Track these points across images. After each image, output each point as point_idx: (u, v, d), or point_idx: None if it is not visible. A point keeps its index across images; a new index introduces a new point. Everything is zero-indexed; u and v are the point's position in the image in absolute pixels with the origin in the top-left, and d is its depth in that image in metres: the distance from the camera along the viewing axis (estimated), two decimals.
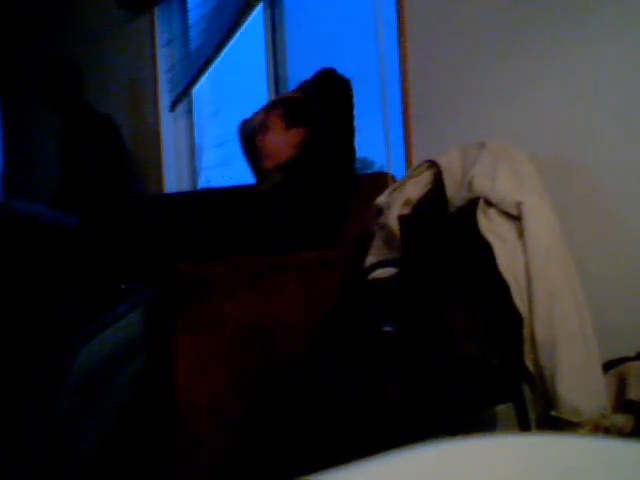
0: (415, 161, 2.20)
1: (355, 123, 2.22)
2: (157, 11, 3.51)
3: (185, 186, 3.53)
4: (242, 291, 1.74)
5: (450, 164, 1.68)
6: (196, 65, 3.38)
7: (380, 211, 1.81)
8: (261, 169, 2.25)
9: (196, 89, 3.51)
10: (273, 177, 2.20)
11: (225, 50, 3.24)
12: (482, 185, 1.55)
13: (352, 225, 2.06)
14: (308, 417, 1.61)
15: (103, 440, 1.72)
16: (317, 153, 2.15)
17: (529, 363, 1.43)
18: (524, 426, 1.43)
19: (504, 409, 1.48)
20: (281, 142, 2.19)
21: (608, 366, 1.57)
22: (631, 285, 1.74)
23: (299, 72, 3.07)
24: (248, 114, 2.46)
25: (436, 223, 1.68)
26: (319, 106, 2.22)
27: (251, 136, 2.35)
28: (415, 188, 1.75)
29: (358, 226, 2.02)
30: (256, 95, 3.15)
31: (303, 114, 2.22)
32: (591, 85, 1.81)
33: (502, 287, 1.45)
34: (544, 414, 1.42)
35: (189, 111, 3.57)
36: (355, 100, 2.22)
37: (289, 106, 2.23)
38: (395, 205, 1.75)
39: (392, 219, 1.74)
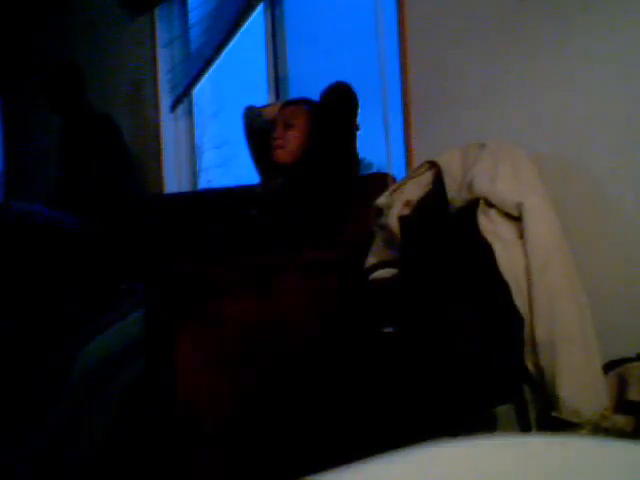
0: (415, 161, 2.20)
1: (356, 129, 2.22)
2: (157, 11, 3.51)
3: (185, 187, 3.53)
4: (242, 291, 1.74)
5: (450, 165, 1.68)
6: (196, 66, 3.38)
7: (380, 212, 1.81)
8: (272, 161, 2.23)
9: (196, 90, 3.51)
10: (275, 180, 2.20)
11: (225, 50, 3.24)
12: (482, 186, 1.55)
13: (352, 226, 2.06)
14: (309, 417, 1.61)
15: (103, 440, 1.72)
16: (319, 157, 2.15)
17: (529, 364, 1.43)
18: (524, 427, 1.43)
19: (504, 410, 1.48)
20: (302, 140, 2.18)
21: (609, 367, 1.56)
22: (632, 286, 1.74)
23: (299, 72, 3.08)
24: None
25: (436, 224, 1.68)
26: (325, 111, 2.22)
27: (261, 128, 2.34)
28: (415, 189, 1.75)
29: (358, 227, 2.02)
30: (256, 95, 3.15)
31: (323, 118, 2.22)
32: (591, 85, 1.81)
33: (502, 288, 1.45)
34: (544, 415, 1.42)
35: (189, 112, 3.57)
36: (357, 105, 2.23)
37: (316, 108, 2.22)
38: (395, 206, 1.75)
39: (392, 220, 1.73)
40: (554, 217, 1.50)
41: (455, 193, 1.64)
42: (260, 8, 3.06)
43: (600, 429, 1.38)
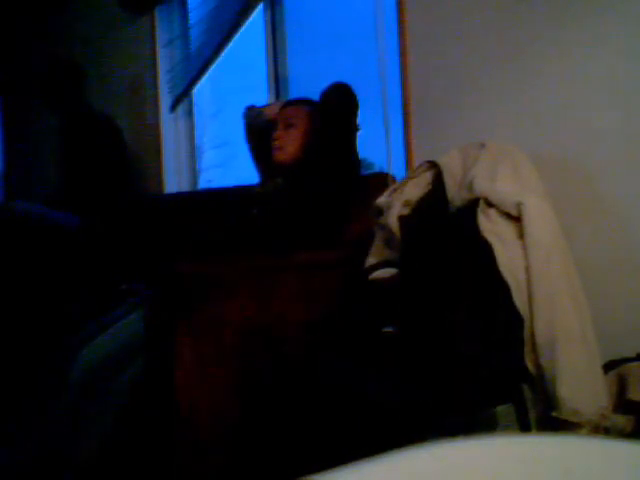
0: (415, 161, 2.20)
1: (356, 129, 2.23)
2: (157, 11, 3.51)
3: (185, 186, 3.53)
4: (242, 291, 1.74)
5: (450, 164, 1.68)
6: (196, 65, 3.38)
7: (380, 212, 1.81)
8: (272, 161, 2.23)
9: (196, 89, 3.51)
10: (275, 180, 2.21)
11: (225, 50, 3.24)
12: (482, 186, 1.55)
13: (352, 226, 2.06)
14: (309, 418, 1.61)
15: (103, 440, 1.72)
16: (319, 157, 2.15)
17: (529, 364, 1.43)
18: (524, 427, 1.43)
19: (504, 409, 1.48)
20: (302, 140, 2.18)
21: (608, 367, 1.56)
22: (631, 285, 1.74)
23: (299, 72, 3.08)
24: None
25: (436, 223, 1.68)
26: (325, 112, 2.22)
27: (261, 127, 2.35)
28: (415, 188, 1.75)
29: (358, 227, 2.02)
30: (256, 95, 3.15)
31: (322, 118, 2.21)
32: (591, 85, 1.81)
33: (502, 288, 1.44)
34: (544, 415, 1.42)
35: (189, 112, 3.57)
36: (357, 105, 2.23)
37: (317, 108, 2.22)
38: (395, 205, 1.75)
39: (392, 219, 1.73)
40: (554, 217, 1.50)
41: (455, 193, 1.64)
42: (260, 8, 3.06)
43: (600, 429, 1.38)
